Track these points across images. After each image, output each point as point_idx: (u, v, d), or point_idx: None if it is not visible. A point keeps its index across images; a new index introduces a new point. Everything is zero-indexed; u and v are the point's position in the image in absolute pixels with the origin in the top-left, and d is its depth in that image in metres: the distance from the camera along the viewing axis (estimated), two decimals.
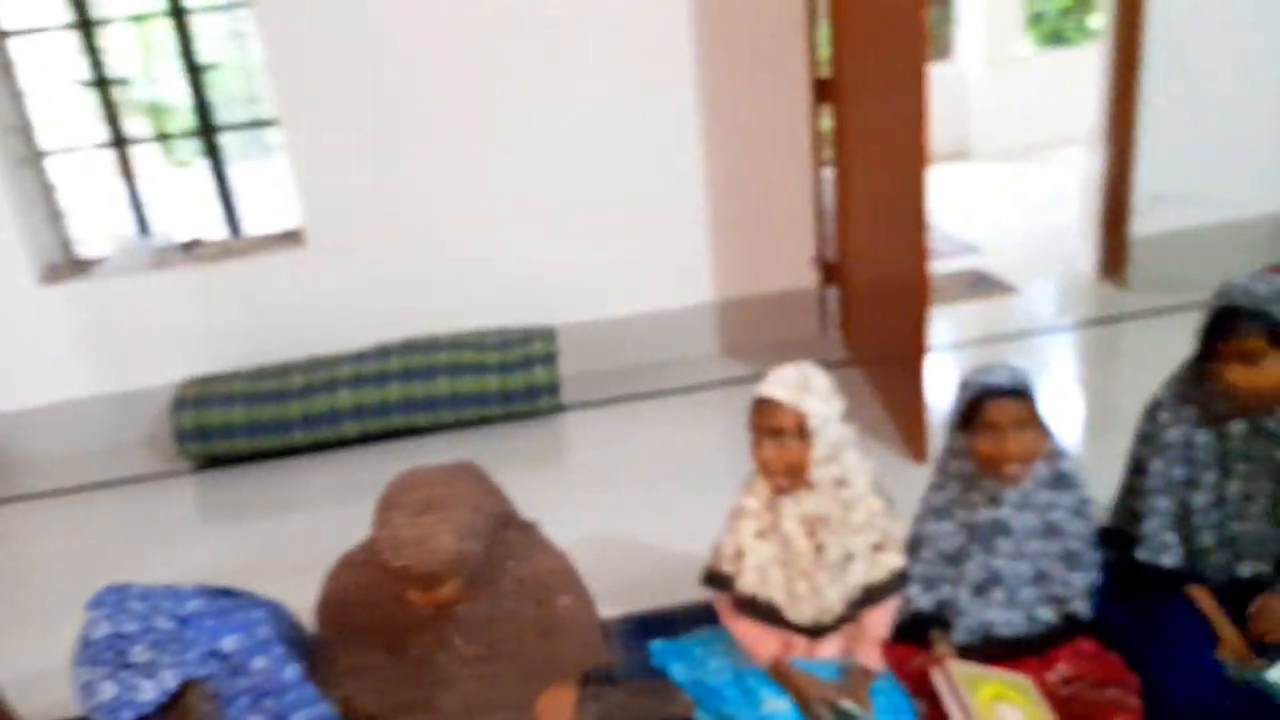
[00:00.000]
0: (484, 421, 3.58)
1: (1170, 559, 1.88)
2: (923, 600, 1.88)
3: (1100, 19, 3.90)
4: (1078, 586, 1.85)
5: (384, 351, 3.58)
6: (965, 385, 1.81)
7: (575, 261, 3.81)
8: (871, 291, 3.36)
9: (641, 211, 3.77)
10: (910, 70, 2.42)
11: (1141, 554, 1.91)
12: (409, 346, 3.58)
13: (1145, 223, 3.98)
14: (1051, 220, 5.00)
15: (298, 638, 1.67)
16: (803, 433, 1.73)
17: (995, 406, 1.74)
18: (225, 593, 1.57)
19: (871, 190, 3.18)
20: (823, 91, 3.63)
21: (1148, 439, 1.92)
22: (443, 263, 3.74)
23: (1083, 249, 4.26)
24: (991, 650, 1.83)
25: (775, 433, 1.73)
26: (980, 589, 1.85)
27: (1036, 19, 8.47)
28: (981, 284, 4.44)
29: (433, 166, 3.62)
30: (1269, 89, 3.83)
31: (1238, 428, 1.81)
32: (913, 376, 2.76)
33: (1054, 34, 8.40)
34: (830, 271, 3.92)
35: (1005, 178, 6.33)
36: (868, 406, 3.32)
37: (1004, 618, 1.85)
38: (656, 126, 3.66)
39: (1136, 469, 1.96)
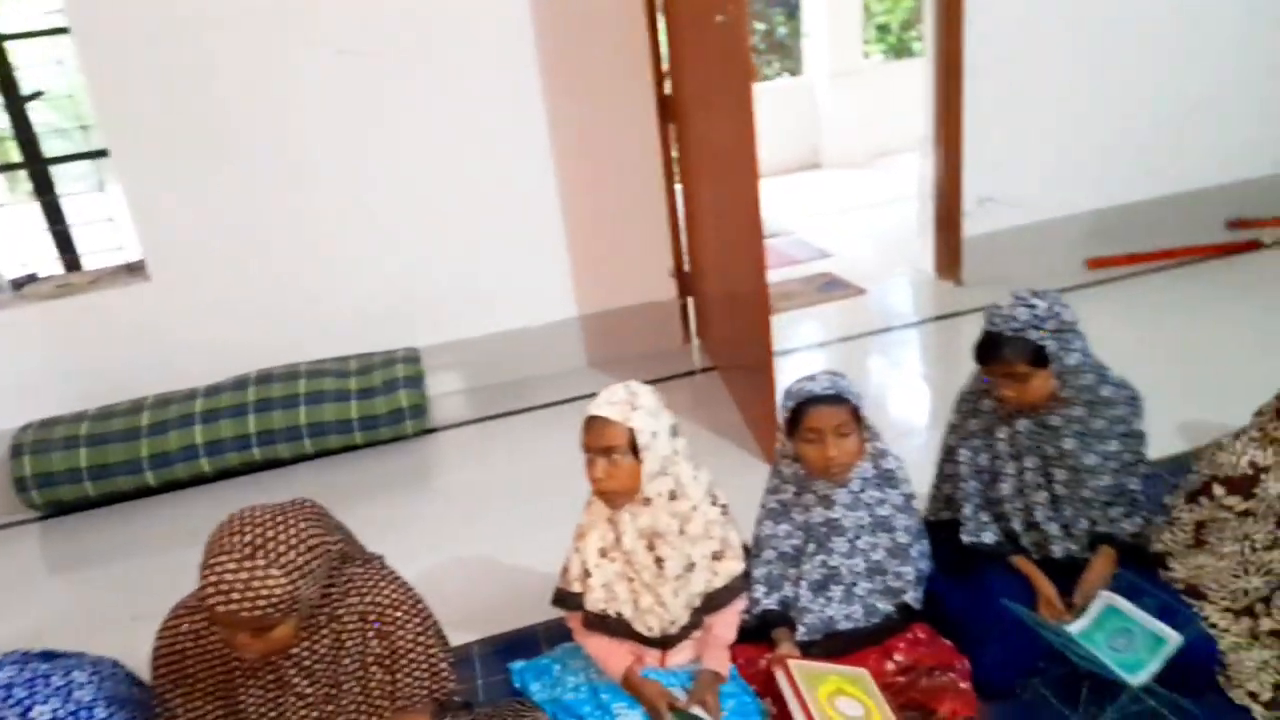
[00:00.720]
0: (349, 449, 3.53)
1: (990, 535, 2.05)
2: (767, 601, 1.97)
3: (924, 34, 4.16)
4: (909, 577, 1.98)
5: (240, 383, 3.47)
6: (789, 393, 1.91)
7: (437, 283, 3.80)
8: (721, 300, 3.49)
9: (500, 231, 3.79)
10: (738, 90, 2.54)
11: (965, 537, 2.07)
12: (265, 377, 3.48)
13: (975, 223, 4.29)
14: (896, 224, 5.30)
15: (136, 694, 1.61)
16: (633, 449, 1.78)
17: (816, 414, 1.85)
18: (47, 655, 1.51)
19: (713, 204, 3.31)
20: (667, 109, 3.74)
21: (955, 428, 2.10)
22: (298, 290, 3.66)
23: (922, 250, 4.54)
24: (834, 645, 1.93)
25: (606, 451, 1.77)
26: (820, 586, 1.96)
27: (883, 31, 8.95)
28: (833, 287, 4.66)
29: (279, 192, 3.53)
30: (1078, 98, 4.19)
31: (1023, 424, 1.99)
32: (763, 380, 2.88)
33: (898, 45, 8.88)
34: (686, 282, 4.04)
35: (855, 185, 6.66)
36: (726, 410, 3.45)
37: (844, 612, 1.95)
38: (509, 147, 3.69)
39: (948, 456, 2.12)
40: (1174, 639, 1.75)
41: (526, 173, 3.74)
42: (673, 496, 1.86)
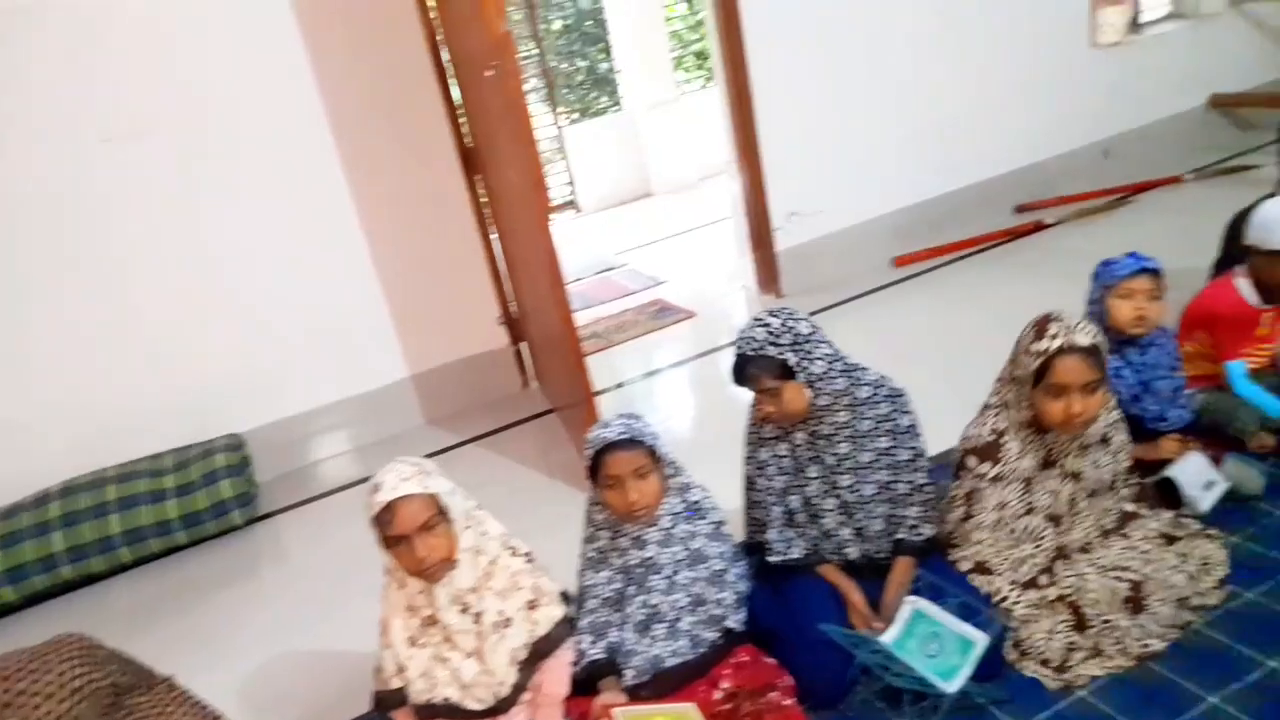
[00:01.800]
0: (174, 550, 3.33)
1: (798, 550, 2.11)
2: (593, 651, 1.96)
3: (713, 63, 4.33)
4: (729, 601, 2.02)
5: (41, 499, 3.22)
6: (586, 442, 1.93)
7: (256, 363, 3.64)
8: (544, 343, 3.50)
9: (315, 302, 3.68)
10: (520, 138, 2.56)
11: (773, 558, 2.12)
12: (69, 489, 3.25)
13: (786, 237, 4.47)
14: (721, 244, 5.47)
15: None
16: (443, 514, 1.77)
17: (613, 460, 1.87)
18: None
19: (519, 250, 3.33)
20: (471, 161, 3.75)
21: (749, 458, 2.15)
22: (105, 389, 3.44)
23: (744, 267, 4.69)
24: (664, 684, 1.94)
25: (423, 528, 1.75)
26: (644, 627, 1.97)
27: (701, 57, 9.26)
28: (666, 313, 4.75)
29: (70, 288, 3.33)
30: (865, 110, 4.45)
31: (799, 436, 2.07)
32: (587, 420, 2.90)
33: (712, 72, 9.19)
34: (516, 328, 4.04)
35: (684, 209, 6.83)
36: (567, 453, 3.45)
37: (670, 649, 1.97)
38: (313, 217, 3.59)
39: (749, 485, 2.18)
40: (981, 640, 1.85)
41: (334, 240, 3.65)
42: (477, 552, 1.85)
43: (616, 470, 1.87)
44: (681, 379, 4.03)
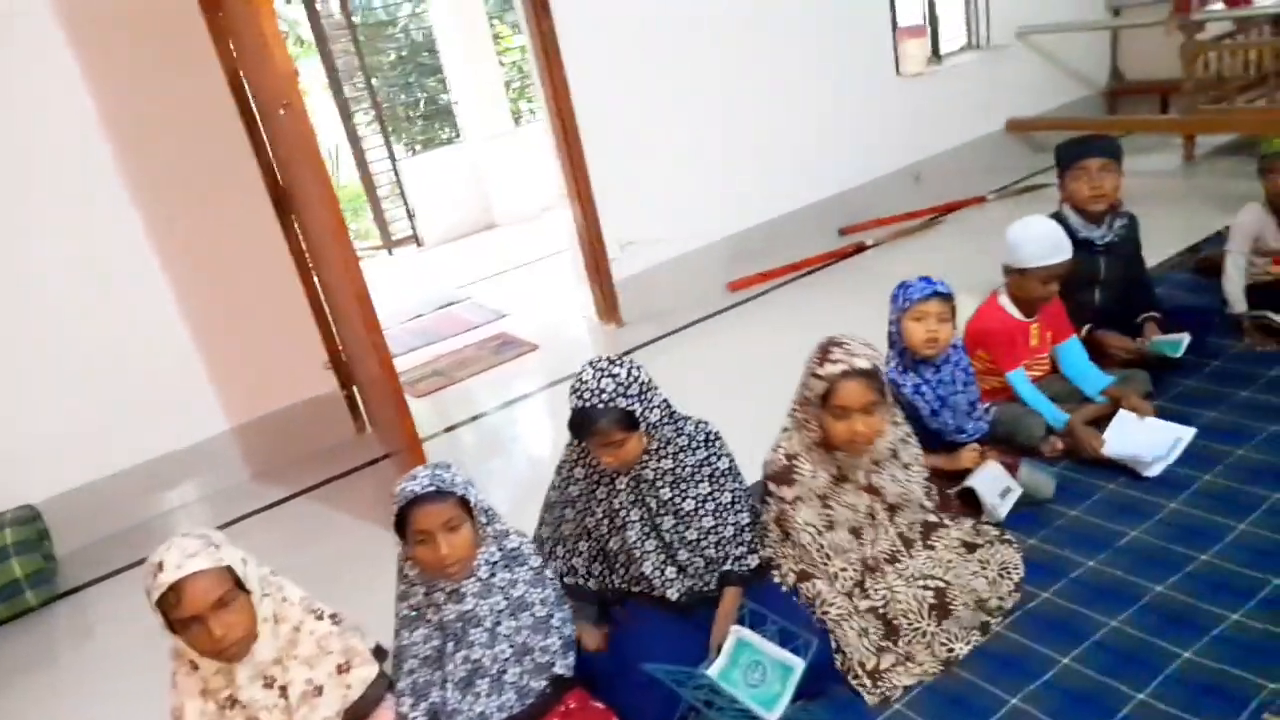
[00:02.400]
0: None
1: (594, 584, 2.10)
2: (416, 715, 1.87)
3: (539, 99, 4.33)
4: (555, 648, 1.98)
5: None
6: (392, 497, 1.84)
7: (50, 428, 3.33)
8: (369, 386, 3.37)
9: (116, 355, 3.41)
10: (317, 177, 2.46)
11: (570, 580, 2.12)
12: None
13: (623, 267, 4.51)
14: (561, 275, 5.46)
15: None
16: (239, 586, 1.66)
17: (421, 514, 1.79)
18: None
19: (336, 294, 3.20)
20: (284, 202, 3.59)
21: (553, 504, 2.13)
22: None
23: (583, 298, 4.70)
24: None
25: (218, 605, 1.63)
26: (466, 684, 1.90)
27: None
28: (508, 347, 4.69)
29: None
30: (692, 142, 4.55)
31: (622, 481, 2.07)
32: (415, 463, 2.80)
33: None
34: (346, 371, 3.88)
35: (526, 241, 6.79)
36: None
37: (495, 704, 1.90)
38: (112, 269, 3.34)
39: (558, 520, 2.15)
40: (798, 665, 1.88)
41: (134, 289, 3.40)
42: (278, 620, 1.74)
43: (425, 525, 1.79)
44: (526, 413, 3.98)
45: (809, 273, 4.81)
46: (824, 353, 2.05)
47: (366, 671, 1.83)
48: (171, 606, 1.61)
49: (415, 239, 7.57)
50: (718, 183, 4.71)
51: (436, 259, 7.13)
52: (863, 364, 2.00)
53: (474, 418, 3.98)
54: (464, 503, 1.85)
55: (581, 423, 1.96)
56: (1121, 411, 2.60)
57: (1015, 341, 2.68)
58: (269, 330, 3.70)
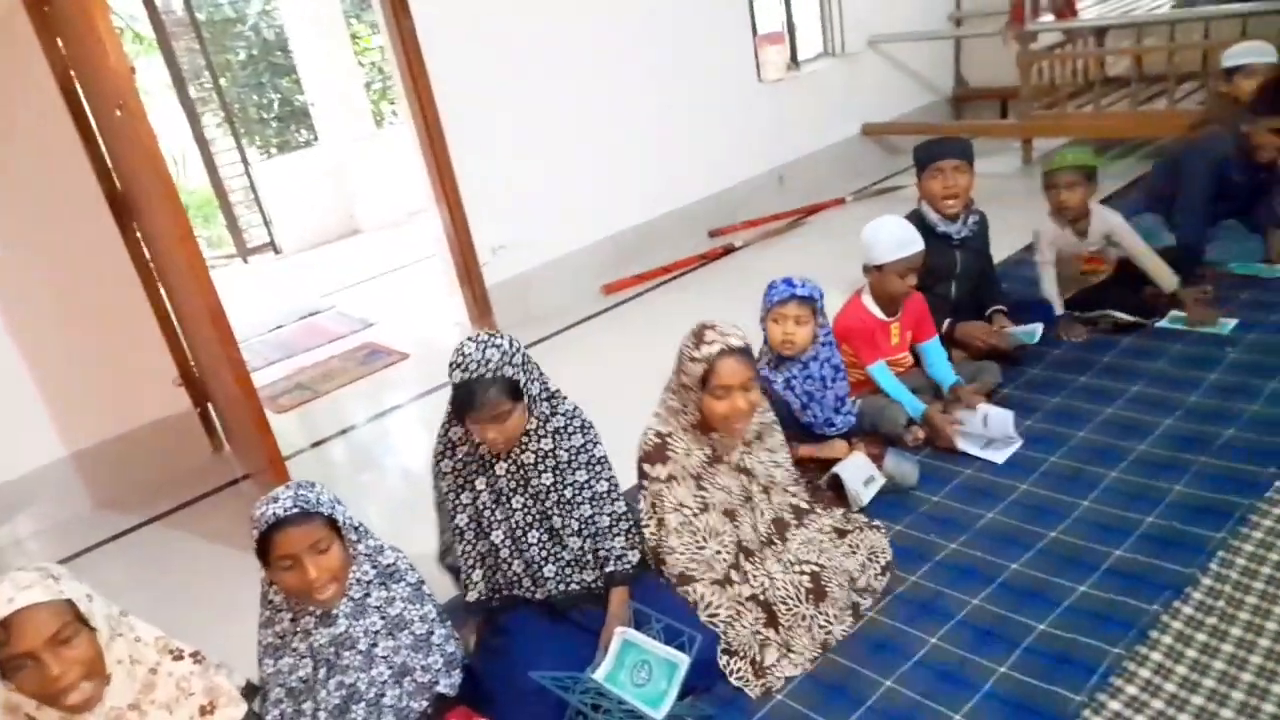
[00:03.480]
0: None
1: (474, 594, 2.06)
2: None
3: (401, 101, 4.21)
4: (438, 666, 1.91)
5: None
6: (252, 519, 1.73)
7: None
8: (226, 402, 3.19)
9: None
10: (159, 181, 2.30)
11: (470, 596, 2.06)
12: None
13: (495, 271, 4.44)
14: (431, 281, 5.32)
15: None
16: (81, 622, 1.52)
17: (285, 539, 1.69)
18: None
19: (185, 305, 3.01)
20: (123, 208, 3.34)
21: (441, 503, 2.07)
22: None
23: (454, 303, 4.59)
24: None
25: (55, 641, 1.48)
26: (341, 710, 1.81)
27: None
28: (376, 356, 4.53)
29: None
30: (563, 145, 4.53)
31: (501, 467, 2.02)
32: (278, 482, 2.66)
33: None
34: (199, 389, 3.65)
35: (393, 246, 6.60)
36: None
37: None
38: None
39: (442, 523, 2.10)
40: (683, 661, 1.89)
41: None
42: (134, 661, 1.60)
43: (290, 549, 1.69)
44: (399, 424, 3.85)
45: (681, 274, 4.87)
46: (698, 336, 2.10)
47: (233, 712, 1.71)
48: (1, 644, 1.46)
49: (273, 246, 7.22)
50: (590, 186, 4.71)
51: (296, 267, 6.83)
52: (736, 342, 2.07)
53: (342, 432, 3.83)
54: (331, 522, 1.76)
55: (469, 395, 1.88)
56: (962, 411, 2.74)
57: (875, 338, 2.79)
58: (111, 346, 3.43)
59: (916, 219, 3.02)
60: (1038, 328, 3.11)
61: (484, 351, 1.91)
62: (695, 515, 2.10)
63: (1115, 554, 2.15)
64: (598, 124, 4.69)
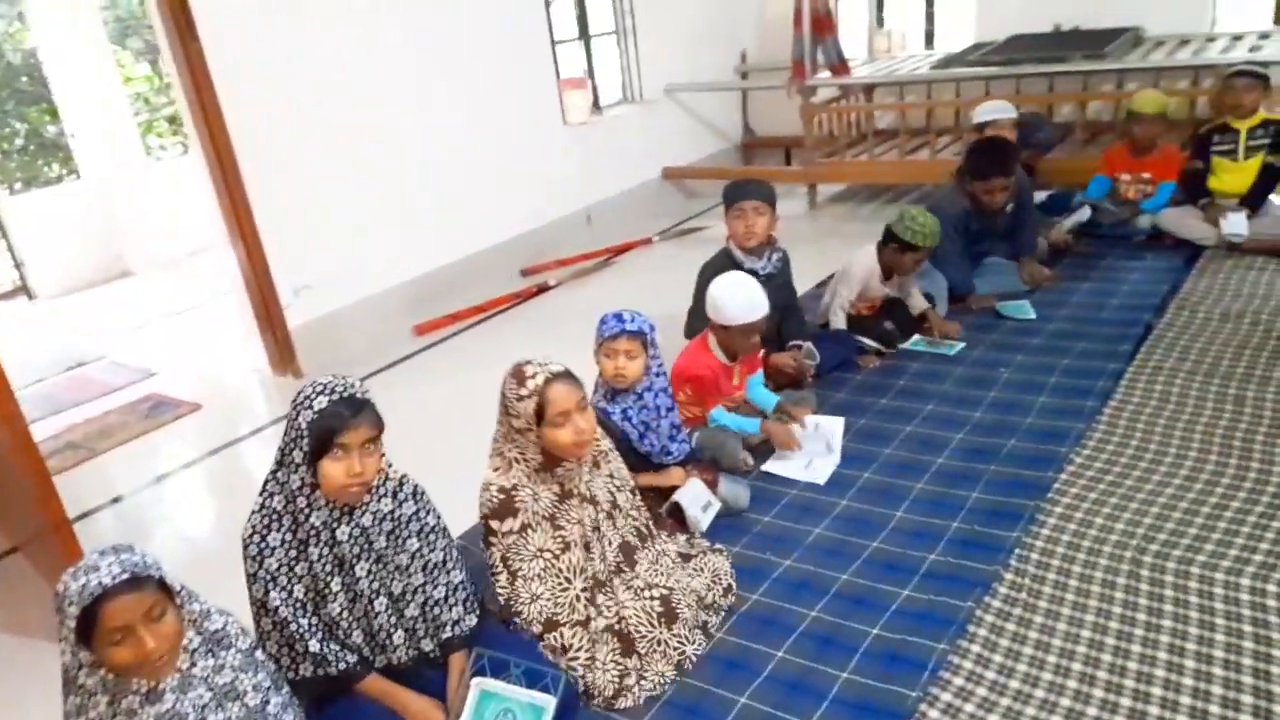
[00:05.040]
0: None
1: (344, 662, 1.92)
2: None
3: (188, 133, 3.92)
4: None
5: None
6: (68, 596, 1.51)
7: None
8: None
9: None
10: None
11: (305, 671, 1.90)
12: None
13: (298, 313, 4.19)
14: (223, 324, 4.95)
15: None
16: None
17: (115, 610, 1.48)
18: None
19: None
20: None
21: (254, 577, 1.89)
22: None
23: (251, 348, 4.29)
24: None
25: None
26: None
27: (175, 123, 8.37)
28: (163, 409, 4.13)
29: None
30: (367, 185, 4.38)
31: (343, 530, 1.90)
32: (66, 551, 2.36)
33: None
34: None
35: (173, 288, 6.07)
36: (42, 596, 2.76)
37: None
38: None
39: (263, 607, 1.91)
40: (549, 703, 1.86)
41: None
42: None
43: (123, 620, 1.49)
44: (194, 481, 3.52)
45: (496, 314, 4.82)
46: (518, 375, 2.08)
47: None
48: None
49: (25, 290, 6.42)
50: (398, 224, 4.59)
51: (55, 312, 6.10)
52: (557, 368, 2.08)
53: (117, 498, 3.42)
54: (163, 585, 1.58)
55: (341, 415, 1.77)
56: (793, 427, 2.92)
57: (719, 384, 2.91)
58: None
59: (725, 256, 3.18)
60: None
61: (343, 379, 1.85)
62: (557, 557, 2.07)
63: (929, 558, 2.35)
64: (406, 161, 4.59)
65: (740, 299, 2.80)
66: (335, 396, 1.81)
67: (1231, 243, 4.02)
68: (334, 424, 1.79)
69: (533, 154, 5.32)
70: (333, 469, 1.82)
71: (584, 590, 2.09)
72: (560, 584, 2.06)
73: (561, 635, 2.03)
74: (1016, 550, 2.32)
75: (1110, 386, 3.06)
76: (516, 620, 2.04)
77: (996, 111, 4.15)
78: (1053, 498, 2.51)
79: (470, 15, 4.84)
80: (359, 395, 1.83)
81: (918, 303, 3.67)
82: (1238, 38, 5.27)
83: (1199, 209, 4.21)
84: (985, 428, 2.94)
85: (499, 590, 2.06)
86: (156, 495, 3.43)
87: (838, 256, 4.64)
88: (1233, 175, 4.14)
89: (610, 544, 2.18)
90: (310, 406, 1.81)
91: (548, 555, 2.06)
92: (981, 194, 3.71)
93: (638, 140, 6.17)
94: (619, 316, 2.54)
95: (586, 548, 2.12)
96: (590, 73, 6.05)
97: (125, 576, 1.51)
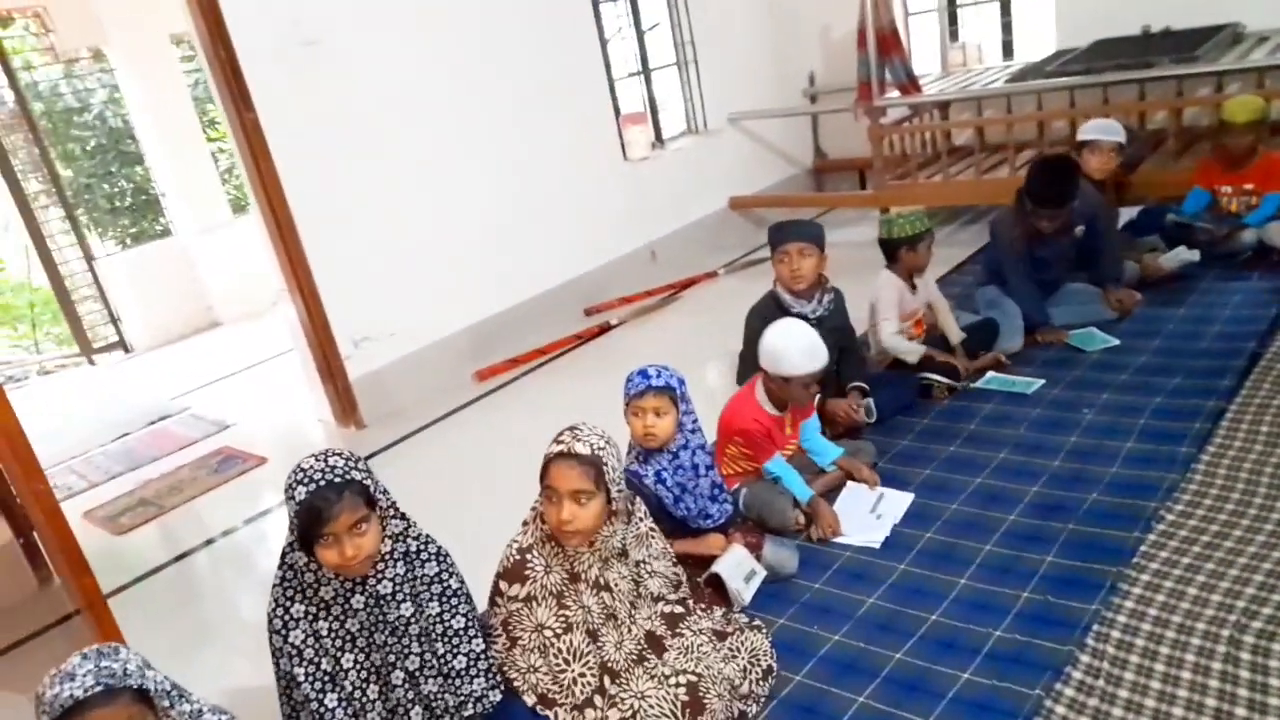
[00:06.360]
0: None
1: None
2: None
3: (248, 193, 4.01)
4: None
5: None
6: (41, 701, 1.48)
7: None
8: (42, 535, 2.86)
9: None
10: None
11: None
12: None
13: (359, 364, 4.22)
14: (291, 376, 5.04)
15: None
16: None
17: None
18: None
19: None
20: None
21: (280, 651, 1.85)
22: None
23: (316, 400, 4.34)
24: None
25: None
26: None
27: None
28: (230, 463, 4.21)
29: None
30: (422, 231, 4.39)
31: (358, 599, 1.84)
32: (101, 628, 2.37)
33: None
34: (19, 515, 3.28)
35: (255, 338, 6.25)
36: None
37: None
38: None
39: (290, 681, 1.86)
40: None
41: None
42: None
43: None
44: (256, 537, 3.55)
45: (557, 356, 4.76)
46: (558, 435, 2.00)
47: None
48: None
49: (122, 344, 6.74)
50: (456, 271, 4.58)
51: (148, 366, 6.37)
52: (582, 449, 1.95)
53: (184, 554, 3.47)
54: (142, 693, 1.53)
55: (319, 507, 1.71)
56: (850, 483, 2.73)
57: (772, 436, 2.74)
58: None
59: (772, 300, 3.02)
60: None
61: (326, 461, 1.78)
62: (558, 636, 1.96)
63: (994, 634, 2.12)
64: (462, 208, 4.59)
65: (799, 349, 2.62)
66: (314, 486, 1.74)
67: None
68: (316, 515, 1.72)
69: (592, 193, 5.27)
70: (326, 555, 1.77)
71: (586, 675, 1.96)
72: (558, 665, 1.94)
73: (556, 715, 1.91)
74: (1095, 627, 2.07)
75: (1208, 429, 2.74)
76: (514, 683, 1.95)
77: (1099, 131, 3.83)
78: (1138, 563, 2.24)
79: (523, 57, 4.83)
80: (340, 478, 1.75)
81: (954, 333, 3.45)
82: None
83: None
84: (1063, 479, 2.67)
85: (495, 652, 1.96)
86: (220, 551, 3.47)
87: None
88: None
89: (630, 632, 2.04)
90: (293, 497, 1.75)
91: (548, 633, 1.95)
92: (1034, 220, 3.45)
93: (701, 171, 6.04)
94: (644, 373, 2.41)
95: (594, 636, 1.99)
96: (652, 106, 5.97)
97: (98, 689, 1.46)
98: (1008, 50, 6.36)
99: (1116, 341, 3.42)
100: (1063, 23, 5.74)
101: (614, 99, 5.42)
